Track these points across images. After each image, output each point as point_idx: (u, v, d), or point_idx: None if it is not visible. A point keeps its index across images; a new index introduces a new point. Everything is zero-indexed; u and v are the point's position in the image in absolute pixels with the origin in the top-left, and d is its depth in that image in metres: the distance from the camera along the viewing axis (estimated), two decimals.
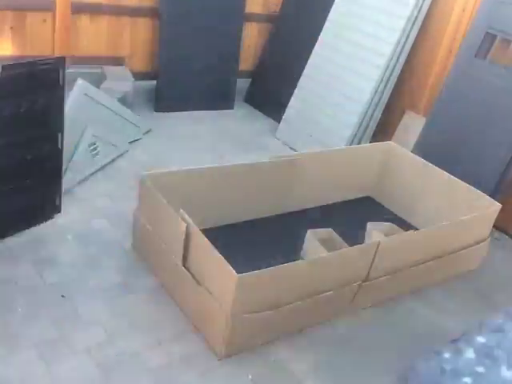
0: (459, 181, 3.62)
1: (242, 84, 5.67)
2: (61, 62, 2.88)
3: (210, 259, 2.51)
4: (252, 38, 5.73)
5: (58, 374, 2.31)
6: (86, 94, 3.70)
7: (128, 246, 3.18)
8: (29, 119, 2.86)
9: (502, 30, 3.98)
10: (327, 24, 4.95)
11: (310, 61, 5.03)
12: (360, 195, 4.14)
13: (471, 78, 4.06)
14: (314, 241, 3.12)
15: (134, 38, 4.94)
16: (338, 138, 4.65)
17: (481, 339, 1.05)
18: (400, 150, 4.06)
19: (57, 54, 4.44)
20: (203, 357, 2.55)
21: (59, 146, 3.05)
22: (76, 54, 4.58)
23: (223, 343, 2.50)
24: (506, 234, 4.06)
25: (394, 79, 4.64)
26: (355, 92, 4.62)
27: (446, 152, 4.07)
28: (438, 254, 3.25)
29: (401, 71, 4.64)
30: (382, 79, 4.55)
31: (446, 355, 1.01)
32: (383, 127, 4.86)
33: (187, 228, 2.62)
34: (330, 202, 3.94)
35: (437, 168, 3.75)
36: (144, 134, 4.58)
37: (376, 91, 4.58)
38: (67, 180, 3.57)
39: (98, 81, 4.33)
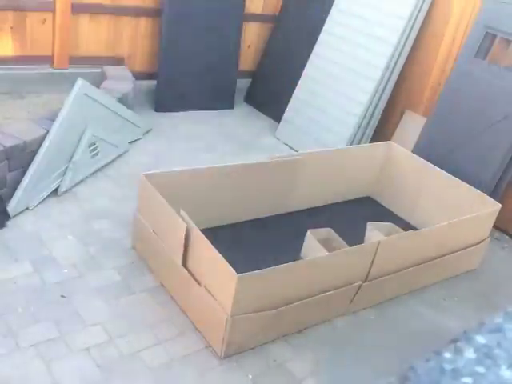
0: (459, 181, 3.63)
1: (242, 84, 5.67)
2: None
3: (210, 259, 2.51)
4: (252, 38, 5.73)
5: (57, 374, 2.32)
6: (85, 94, 3.70)
7: (128, 245, 3.18)
8: None
9: (501, 30, 3.98)
10: (327, 24, 4.95)
11: (309, 61, 5.03)
12: (360, 195, 4.15)
13: (471, 77, 4.06)
14: (313, 241, 3.12)
15: (134, 38, 4.94)
16: (338, 137, 4.66)
17: (481, 339, 1.05)
18: (400, 150, 4.06)
19: (57, 54, 4.44)
20: (203, 357, 2.55)
21: None
22: (76, 54, 4.58)
23: (223, 343, 2.50)
24: (506, 234, 4.06)
25: (393, 79, 4.64)
26: (355, 92, 4.63)
27: (446, 152, 4.07)
28: (438, 254, 3.25)
29: (401, 71, 4.64)
30: (381, 79, 4.55)
31: (446, 355, 1.00)
32: (383, 127, 4.86)
33: (187, 228, 2.62)
34: (330, 202, 3.94)
35: (437, 168, 3.76)
36: (144, 134, 4.58)
37: (376, 91, 4.58)
38: (67, 180, 3.58)
39: (98, 81, 4.33)
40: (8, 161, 3.27)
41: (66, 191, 3.57)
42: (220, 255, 2.44)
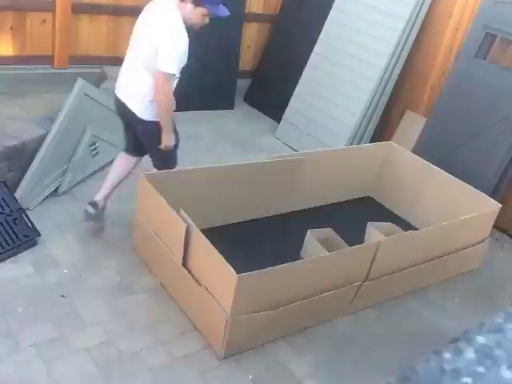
0: (459, 181, 3.63)
1: (242, 84, 5.67)
2: None
3: (210, 259, 2.51)
4: (252, 37, 5.73)
5: (57, 374, 2.32)
6: (86, 94, 3.69)
7: (128, 246, 3.18)
8: None
9: (501, 30, 3.98)
10: (327, 24, 4.95)
11: (309, 61, 5.03)
12: (360, 195, 4.14)
13: (471, 77, 4.06)
14: (313, 241, 3.12)
15: None
16: (338, 137, 4.65)
17: (481, 339, 1.05)
18: (400, 149, 4.06)
19: (57, 54, 4.44)
20: (203, 357, 2.55)
21: None
22: (76, 54, 4.58)
23: (223, 343, 2.50)
24: (506, 234, 4.06)
25: (393, 79, 4.64)
26: (355, 92, 4.62)
27: (446, 152, 4.07)
28: (438, 254, 3.25)
29: (401, 71, 4.64)
30: (382, 79, 4.55)
31: (446, 355, 1.00)
32: (383, 127, 4.86)
33: (187, 228, 2.62)
34: (330, 202, 3.94)
35: (437, 168, 3.76)
36: None
37: (376, 91, 4.58)
38: (67, 180, 3.58)
39: (98, 81, 4.33)
40: (8, 161, 3.27)
41: (66, 191, 3.57)
42: (220, 255, 2.44)
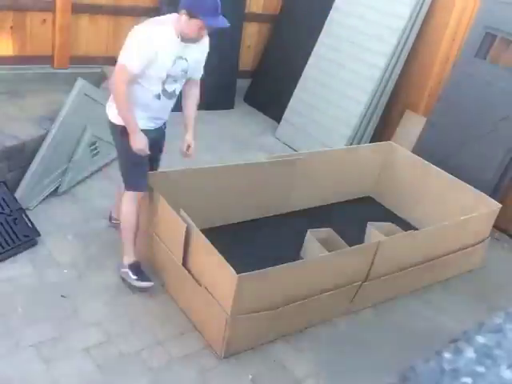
0: (459, 181, 3.63)
1: (242, 84, 5.67)
2: None
3: (210, 259, 2.51)
4: (252, 38, 5.73)
5: (57, 374, 2.32)
6: (86, 94, 3.69)
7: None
8: None
9: (502, 30, 3.98)
10: (327, 24, 4.95)
11: (309, 61, 5.03)
12: (360, 195, 4.14)
13: (471, 77, 4.06)
14: (313, 241, 3.12)
15: None
16: (338, 137, 4.65)
17: (481, 339, 1.05)
18: (400, 150, 4.06)
19: (57, 54, 4.44)
20: (203, 357, 2.55)
21: None
22: (76, 54, 4.58)
23: (223, 343, 2.50)
24: (506, 234, 4.06)
25: (393, 79, 4.64)
26: (355, 92, 4.63)
27: (446, 152, 4.07)
28: (438, 254, 3.25)
29: (401, 71, 4.64)
30: (382, 79, 4.55)
31: (446, 355, 1.00)
32: (383, 127, 4.86)
33: (187, 228, 2.62)
34: (330, 202, 3.94)
35: (437, 168, 3.76)
36: None
37: (376, 91, 4.58)
38: (67, 180, 3.58)
39: (98, 81, 4.33)
40: (8, 161, 3.27)
41: (66, 191, 3.57)
42: (220, 255, 2.44)
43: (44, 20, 4.30)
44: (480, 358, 0.99)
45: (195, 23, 2.60)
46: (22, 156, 3.34)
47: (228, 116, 5.38)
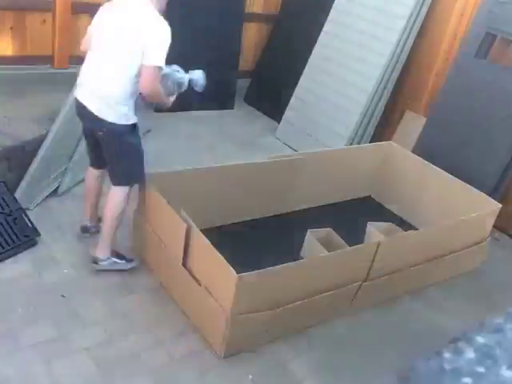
0: (459, 181, 3.62)
1: (242, 84, 5.67)
2: None
3: (210, 259, 2.51)
4: (252, 37, 5.73)
5: (57, 374, 2.32)
6: None
7: (128, 246, 3.18)
8: None
9: (502, 30, 3.98)
10: (327, 24, 4.95)
11: (309, 61, 5.03)
12: (360, 195, 4.15)
13: (471, 77, 4.06)
14: (313, 241, 3.12)
15: None
16: (338, 137, 4.65)
17: (481, 339, 1.05)
18: (400, 150, 4.06)
19: (57, 54, 4.44)
20: (203, 357, 2.55)
21: None
22: (76, 54, 4.57)
23: (223, 343, 2.50)
24: (506, 234, 4.06)
25: (393, 79, 4.64)
26: (355, 92, 4.63)
27: (446, 152, 4.07)
28: (438, 253, 3.25)
29: (401, 71, 4.64)
30: (382, 79, 4.55)
31: (446, 355, 1.01)
32: (383, 127, 4.86)
33: (187, 228, 2.62)
34: (330, 202, 3.94)
35: (437, 168, 3.76)
36: (144, 134, 4.57)
37: (376, 91, 4.58)
38: (67, 180, 3.58)
39: None
40: (8, 161, 3.27)
41: (66, 191, 3.57)
42: (220, 255, 2.44)
43: (44, 20, 4.30)
44: (480, 358, 0.99)
45: None
46: (21, 156, 3.34)
47: (228, 116, 5.38)
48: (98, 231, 3.09)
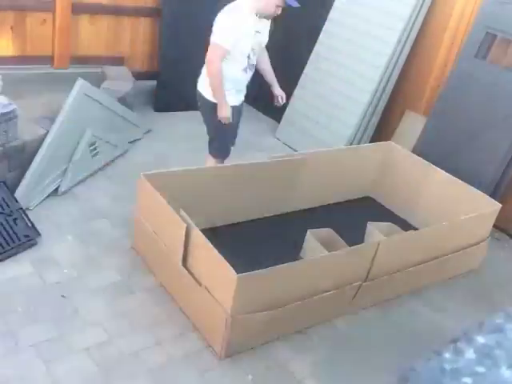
0: (459, 181, 3.63)
1: None
2: None
3: (210, 259, 2.51)
4: None
5: (57, 374, 2.32)
6: (85, 94, 3.69)
7: (128, 246, 3.18)
8: None
9: (502, 30, 3.97)
10: (327, 24, 4.95)
11: (309, 61, 5.03)
12: (360, 195, 4.15)
13: (471, 78, 4.06)
14: (313, 241, 3.12)
15: (134, 38, 4.93)
16: (338, 137, 4.65)
17: (481, 339, 1.05)
18: (400, 150, 4.06)
19: (57, 54, 4.44)
20: (203, 357, 2.55)
21: None
22: (76, 54, 4.58)
23: (223, 343, 2.50)
24: (506, 234, 4.06)
25: (393, 79, 4.64)
26: (355, 92, 4.62)
27: (446, 152, 4.07)
28: (438, 253, 3.25)
29: (401, 71, 4.64)
30: (381, 79, 4.55)
31: (446, 355, 1.01)
32: (383, 127, 4.85)
33: (187, 228, 2.62)
34: (330, 202, 3.94)
35: (437, 168, 3.76)
36: (144, 134, 4.58)
37: (376, 91, 4.57)
38: (67, 180, 3.58)
39: (98, 81, 4.33)
40: (8, 161, 3.27)
41: (66, 191, 3.58)
42: (220, 255, 2.44)
43: (44, 20, 4.31)
44: (480, 358, 0.99)
45: (274, 2, 3.20)
46: (22, 156, 3.34)
47: None
48: None
